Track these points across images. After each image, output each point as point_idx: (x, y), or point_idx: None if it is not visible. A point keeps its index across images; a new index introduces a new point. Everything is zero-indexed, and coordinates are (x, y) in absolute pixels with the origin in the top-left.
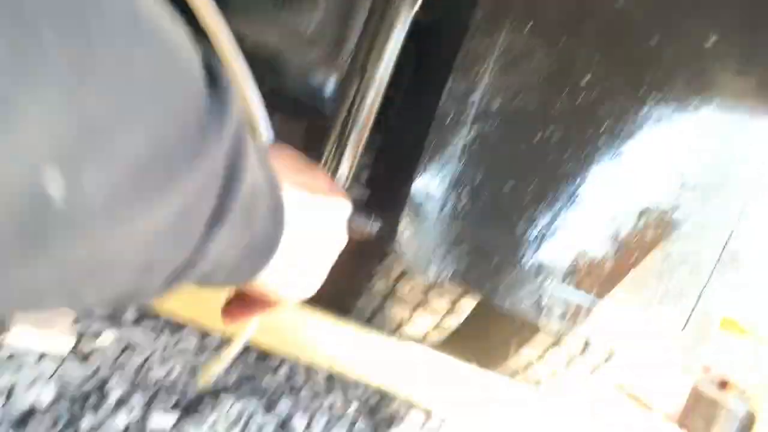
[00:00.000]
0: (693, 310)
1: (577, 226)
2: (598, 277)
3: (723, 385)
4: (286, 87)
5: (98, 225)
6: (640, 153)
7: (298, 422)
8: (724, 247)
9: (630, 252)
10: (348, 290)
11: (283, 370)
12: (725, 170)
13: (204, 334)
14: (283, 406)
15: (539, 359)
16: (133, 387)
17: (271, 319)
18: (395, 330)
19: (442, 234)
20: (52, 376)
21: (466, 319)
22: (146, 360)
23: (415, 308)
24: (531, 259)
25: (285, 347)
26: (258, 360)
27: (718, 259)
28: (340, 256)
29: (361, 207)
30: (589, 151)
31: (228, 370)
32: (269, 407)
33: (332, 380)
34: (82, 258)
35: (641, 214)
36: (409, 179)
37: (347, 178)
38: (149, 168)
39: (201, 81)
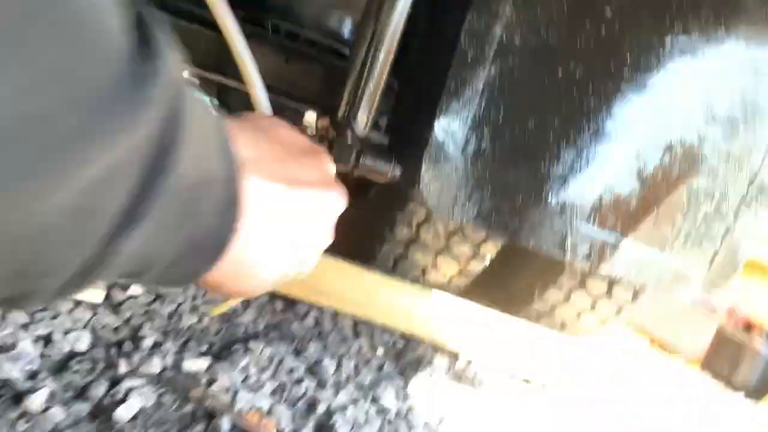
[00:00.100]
0: (719, 247)
1: (602, 163)
2: (623, 215)
3: (748, 327)
4: (304, 28)
5: None
6: (665, 86)
7: (328, 365)
8: (752, 182)
9: (655, 189)
10: (371, 238)
11: (311, 317)
12: (754, 103)
13: None
14: (312, 350)
15: (564, 302)
16: (166, 335)
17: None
18: (419, 276)
19: (464, 175)
20: (86, 324)
21: (490, 263)
22: (177, 308)
23: (438, 254)
24: (555, 197)
25: (311, 295)
26: (285, 308)
27: (745, 196)
28: (365, 205)
29: (383, 152)
30: (614, 85)
31: (256, 319)
32: (299, 352)
33: (359, 326)
34: None
35: (667, 149)
36: (429, 122)
37: (366, 125)
38: (22, 147)
39: (114, 46)
